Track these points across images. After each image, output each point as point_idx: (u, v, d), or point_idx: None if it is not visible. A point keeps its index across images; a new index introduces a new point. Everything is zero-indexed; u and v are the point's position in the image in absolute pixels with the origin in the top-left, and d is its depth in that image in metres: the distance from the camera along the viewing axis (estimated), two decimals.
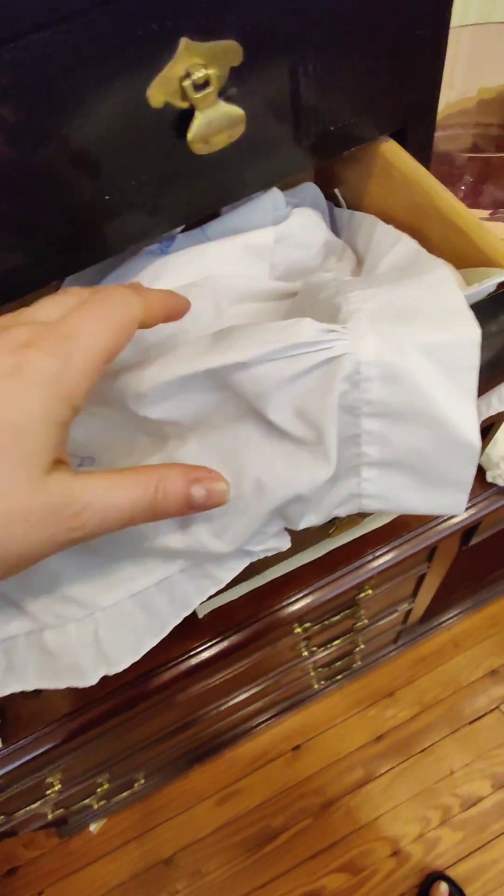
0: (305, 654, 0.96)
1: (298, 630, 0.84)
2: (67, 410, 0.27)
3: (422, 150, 0.45)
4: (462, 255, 0.40)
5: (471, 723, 1.64)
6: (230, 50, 0.31)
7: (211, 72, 0.31)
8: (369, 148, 0.44)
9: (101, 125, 0.31)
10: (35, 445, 0.25)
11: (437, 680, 1.71)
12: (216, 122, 0.33)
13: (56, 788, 0.77)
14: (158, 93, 0.31)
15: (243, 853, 1.57)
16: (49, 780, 0.77)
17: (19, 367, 0.25)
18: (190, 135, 0.33)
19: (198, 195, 0.38)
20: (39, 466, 0.26)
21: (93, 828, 1.56)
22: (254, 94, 0.34)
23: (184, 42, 0.30)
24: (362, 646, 1.16)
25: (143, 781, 1.14)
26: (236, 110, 0.34)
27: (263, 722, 1.51)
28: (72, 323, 0.27)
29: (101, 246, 0.37)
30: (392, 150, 0.43)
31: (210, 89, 0.32)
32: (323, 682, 1.34)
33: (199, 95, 0.32)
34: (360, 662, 1.33)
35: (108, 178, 0.34)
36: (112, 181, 0.34)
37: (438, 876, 1.46)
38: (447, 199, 0.40)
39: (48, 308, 0.29)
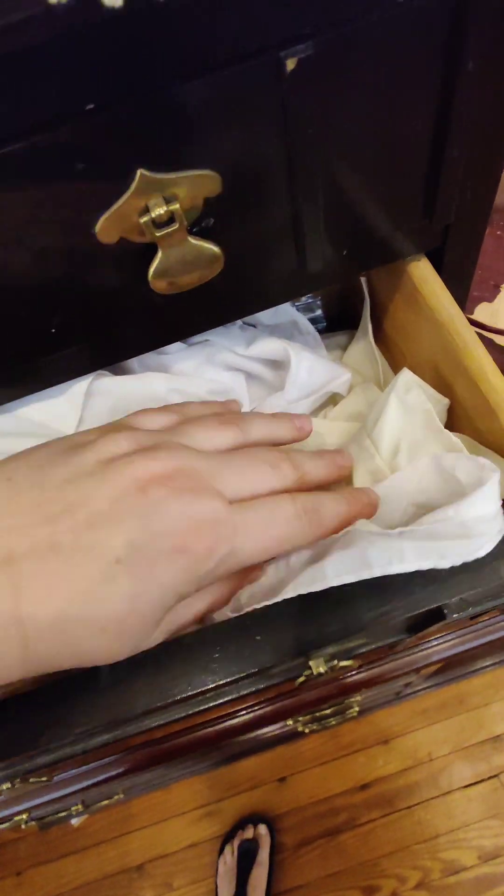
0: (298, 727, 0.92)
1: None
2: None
3: (461, 268, 0.39)
4: (487, 427, 0.34)
5: (464, 787, 1.57)
6: (204, 180, 0.26)
7: (175, 207, 0.26)
8: (397, 264, 0.38)
9: (45, 258, 0.27)
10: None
11: (435, 736, 1.64)
12: (184, 261, 0.28)
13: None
14: (110, 230, 0.26)
15: (211, 876, 1.56)
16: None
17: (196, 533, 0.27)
18: (150, 274, 0.28)
19: (161, 330, 0.33)
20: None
21: (74, 821, 1.59)
22: (238, 226, 0.29)
23: (141, 174, 0.25)
24: (357, 707, 1.11)
25: (121, 796, 1.14)
26: (210, 249, 0.28)
27: (250, 752, 1.48)
28: (247, 524, 0.29)
29: (35, 380, 0.32)
30: (422, 275, 0.37)
31: (175, 226, 0.26)
32: (314, 726, 1.29)
33: (161, 233, 0.27)
34: (356, 714, 1.28)
35: (52, 310, 0.29)
36: (57, 313, 0.30)
37: None
38: (476, 357, 0.33)
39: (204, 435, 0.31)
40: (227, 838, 1.59)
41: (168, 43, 0.21)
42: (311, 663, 0.30)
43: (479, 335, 0.35)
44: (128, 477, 0.26)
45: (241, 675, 0.29)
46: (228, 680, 0.29)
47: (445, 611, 0.29)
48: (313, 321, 0.49)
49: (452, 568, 0.28)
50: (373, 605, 0.29)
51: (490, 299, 0.74)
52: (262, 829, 1.57)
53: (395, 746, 1.64)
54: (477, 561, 0.27)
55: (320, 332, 0.49)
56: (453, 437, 0.35)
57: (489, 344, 0.82)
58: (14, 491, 0.26)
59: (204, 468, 0.28)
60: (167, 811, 1.64)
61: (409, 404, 0.37)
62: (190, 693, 0.29)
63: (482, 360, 0.34)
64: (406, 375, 0.37)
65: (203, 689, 0.29)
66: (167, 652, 0.29)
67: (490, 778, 1.58)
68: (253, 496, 0.29)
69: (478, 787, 1.58)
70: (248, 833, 1.56)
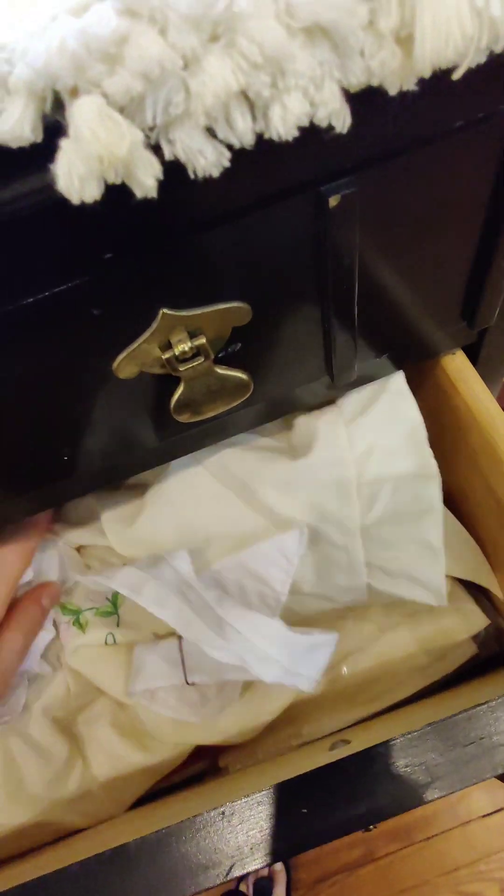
0: None
1: None
2: None
3: (497, 361, 0.36)
4: None
5: (483, 817, 1.54)
6: (232, 312, 0.24)
7: (201, 342, 0.23)
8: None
9: (62, 393, 0.24)
10: None
11: None
12: (209, 391, 0.26)
13: None
14: (129, 367, 0.24)
15: None
16: None
17: None
18: (172, 406, 0.25)
19: (173, 448, 0.30)
20: None
21: None
22: (268, 348, 0.26)
23: (163, 313, 0.22)
24: None
25: None
26: (237, 377, 0.26)
27: None
28: None
29: (42, 503, 0.30)
30: (457, 368, 0.34)
31: (200, 360, 0.24)
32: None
33: (184, 368, 0.24)
34: None
35: (65, 440, 0.27)
36: (70, 443, 0.27)
37: None
38: None
39: None
40: (242, 876, 1.56)
41: (192, 202, 0.19)
42: None
43: None
44: None
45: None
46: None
47: None
48: None
49: None
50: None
51: None
52: (278, 865, 1.54)
53: None
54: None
55: None
56: (431, 459, 0.35)
57: None
58: None
59: None
60: None
61: (398, 410, 0.35)
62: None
63: None
64: (399, 381, 0.36)
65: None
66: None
67: None
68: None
69: (497, 816, 1.54)
70: (264, 871, 1.53)
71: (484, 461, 0.35)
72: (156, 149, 0.14)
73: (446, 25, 0.12)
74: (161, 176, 0.14)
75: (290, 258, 0.23)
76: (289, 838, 0.27)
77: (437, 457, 0.37)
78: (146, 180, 0.13)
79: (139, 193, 0.14)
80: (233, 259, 0.22)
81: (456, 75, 0.13)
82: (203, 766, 0.46)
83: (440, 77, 0.15)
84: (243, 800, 0.27)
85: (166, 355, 0.24)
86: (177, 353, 0.24)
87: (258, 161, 0.18)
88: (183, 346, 0.23)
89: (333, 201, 0.20)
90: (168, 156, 0.14)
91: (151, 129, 0.13)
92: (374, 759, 0.28)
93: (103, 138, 0.12)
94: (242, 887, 1.54)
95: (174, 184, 0.16)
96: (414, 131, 0.20)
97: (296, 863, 1.52)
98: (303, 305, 0.26)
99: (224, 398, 0.27)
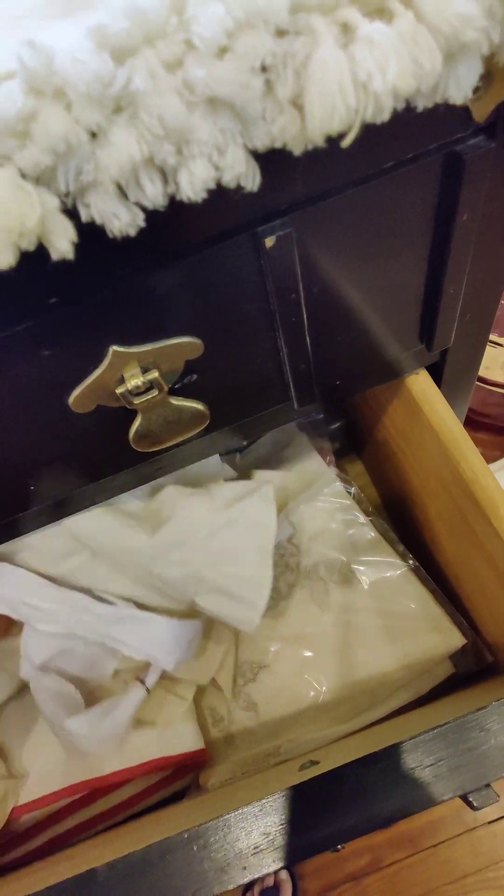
0: None
1: None
2: None
3: (461, 381, 0.36)
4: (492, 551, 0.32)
5: (489, 823, 1.52)
6: (184, 346, 0.24)
7: (153, 376, 0.24)
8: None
9: (22, 429, 0.25)
10: None
11: None
12: (167, 421, 0.26)
13: None
14: (85, 402, 0.24)
15: None
16: None
17: None
18: (131, 437, 0.26)
19: (139, 476, 0.31)
20: None
21: None
22: (223, 377, 0.27)
23: (113, 351, 0.23)
24: None
25: None
26: (194, 407, 0.26)
27: None
28: None
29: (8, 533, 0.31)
30: (421, 389, 0.35)
31: (154, 392, 0.24)
32: None
33: (140, 401, 0.24)
34: None
35: (29, 472, 0.27)
36: (34, 475, 0.27)
37: None
38: (484, 487, 0.31)
39: None
40: (248, 886, 1.55)
41: (131, 247, 0.19)
42: None
43: None
44: None
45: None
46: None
47: None
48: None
49: None
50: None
51: None
52: (283, 874, 1.53)
53: None
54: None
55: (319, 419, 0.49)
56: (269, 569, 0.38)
57: None
58: None
59: None
60: None
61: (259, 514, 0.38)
62: None
63: (491, 490, 0.31)
64: (268, 490, 0.39)
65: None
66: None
67: None
68: None
69: (503, 822, 1.53)
70: (269, 880, 1.52)
71: (448, 478, 0.35)
72: (74, 212, 0.15)
73: (331, 99, 0.13)
74: (76, 239, 0.14)
75: (237, 294, 0.24)
76: (255, 862, 0.27)
77: (406, 473, 0.38)
78: (61, 244, 0.14)
79: (55, 256, 0.14)
80: (180, 296, 0.23)
81: (345, 143, 0.14)
82: (185, 784, 0.47)
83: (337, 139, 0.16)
84: (210, 822, 0.28)
85: (119, 390, 0.24)
86: (130, 388, 0.24)
87: (193, 208, 0.18)
88: (136, 381, 0.24)
89: (269, 242, 0.21)
90: (85, 218, 0.14)
91: (67, 194, 0.14)
92: (342, 779, 0.29)
93: (14, 211, 0.13)
94: None
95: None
96: (342, 176, 0.21)
97: (302, 872, 1.51)
98: (255, 337, 0.27)
99: (182, 428, 0.27)
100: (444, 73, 0.15)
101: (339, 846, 0.29)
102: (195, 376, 0.27)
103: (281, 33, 0.13)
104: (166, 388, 0.25)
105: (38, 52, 0.13)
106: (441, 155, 0.22)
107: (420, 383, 0.35)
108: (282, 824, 0.27)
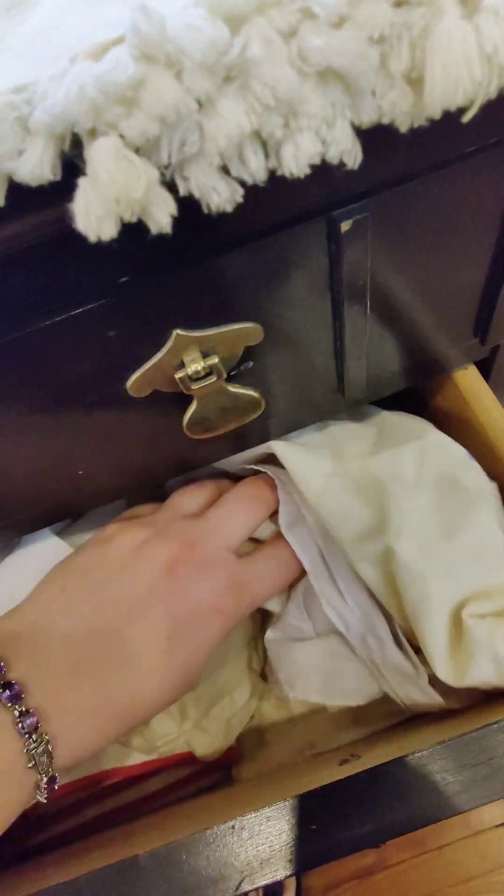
0: None
1: None
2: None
3: None
4: None
5: (496, 827, 1.52)
6: (245, 332, 0.24)
7: (213, 361, 0.23)
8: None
9: (78, 409, 0.25)
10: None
11: None
12: (222, 408, 0.26)
13: None
14: (142, 386, 0.24)
15: None
16: None
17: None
18: (185, 423, 0.26)
19: (188, 462, 0.31)
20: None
21: None
22: (279, 366, 0.27)
23: (177, 335, 0.22)
24: None
25: None
26: (249, 395, 0.26)
27: None
28: (259, 575, 0.35)
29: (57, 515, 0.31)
30: (469, 384, 0.34)
31: (213, 378, 0.24)
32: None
33: (197, 387, 0.24)
34: None
35: (80, 455, 0.27)
36: (85, 458, 0.27)
37: None
38: None
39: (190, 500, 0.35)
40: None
41: (206, 229, 0.19)
42: None
43: None
44: (154, 563, 0.31)
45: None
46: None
47: None
48: None
49: None
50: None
51: None
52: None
53: None
54: None
55: None
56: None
57: None
58: (71, 598, 0.31)
59: (209, 531, 0.33)
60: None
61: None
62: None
63: None
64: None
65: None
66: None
67: None
68: (249, 533, 0.35)
69: None
70: None
71: (494, 474, 0.35)
72: (171, 185, 0.14)
73: (456, 71, 0.12)
74: (175, 213, 0.14)
75: (302, 280, 0.24)
76: (299, 854, 0.27)
77: None
78: (161, 217, 0.14)
79: (154, 229, 0.14)
80: (245, 281, 0.23)
81: (466, 118, 0.13)
82: (217, 778, 0.46)
83: (452, 113, 0.15)
84: (253, 814, 0.27)
85: (179, 375, 0.24)
86: (189, 373, 0.24)
87: (273, 190, 0.18)
88: (196, 366, 0.24)
89: (345, 226, 0.20)
90: (183, 192, 0.14)
91: (167, 166, 0.14)
92: (384, 776, 0.28)
93: (120, 181, 0.12)
94: (252, 894, 1.54)
95: (189, 212, 0.17)
96: (426, 159, 0.20)
97: (306, 879, 1.51)
98: (314, 325, 0.26)
99: (236, 415, 0.27)
100: None
101: (380, 843, 0.28)
102: (252, 363, 0.26)
103: (399, 3, 0.13)
104: (225, 375, 0.25)
105: (151, 18, 0.12)
106: None
107: (469, 378, 0.35)
108: (328, 818, 0.27)
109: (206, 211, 0.15)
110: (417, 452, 0.32)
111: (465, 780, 0.27)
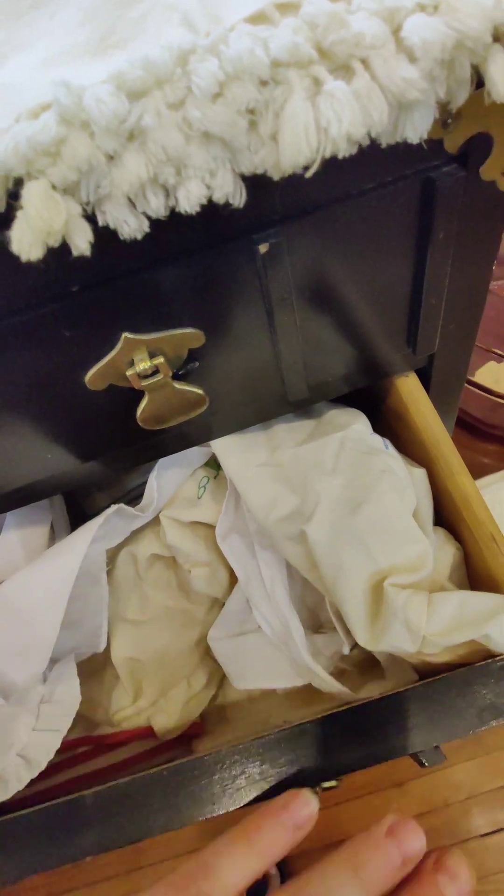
0: None
1: None
2: None
3: (448, 385, 0.39)
4: (470, 550, 0.35)
5: (481, 836, 1.53)
6: (187, 336, 0.28)
7: (159, 361, 0.27)
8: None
9: (44, 401, 0.28)
10: None
11: (450, 780, 1.60)
12: (170, 403, 0.30)
13: None
14: (99, 381, 0.28)
15: None
16: None
17: None
18: (138, 415, 0.30)
19: (146, 452, 0.34)
20: None
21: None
22: (222, 367, 0.30)
23: (125, 337, 0.26)
24: None
25: None
26: (194, 392, 0.30)
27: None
28: None
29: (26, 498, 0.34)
30: (409, 391, 0.38)
31: (160, 376, 0.28)
32: None
33: (146, 383, 0.28)
34: None
35: (47, 442, 0.31)
36: (52, 445, 0.31)
37: None
38: (461, 486, 0.34)
39: None
40: None
41: (144, 248, 0.23)
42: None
43: None
44: None
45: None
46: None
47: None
48: None
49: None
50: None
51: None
52: (273, 869, 1.55)
53: (409, 790, 1.60)
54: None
55: None
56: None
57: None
58: None
59: None
60: (178, 848, 1.62)
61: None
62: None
63: (466, 488, 0.34)
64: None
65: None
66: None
67: None
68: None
69: (495, 836, 1.53)
70: None
71: (425, 466, 0.38)
72: (93, 217, 0.18)
73: (298, 139, 0.16)
74: (92, 239, 0.18)
75: (236, 293, 0.27)
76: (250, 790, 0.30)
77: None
78: (80, 243, 0.17)
79: (75, 252, 0.18)
80: (186, 292, 0.26)
81: (308, 174, 0.17)
82: (180, 752, 0.50)
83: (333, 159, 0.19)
84: (191, 759, 0.31)
85: (129, 372, 0.28)
86: (139, 371, 0.28)
87: (201, 215, 0.22)
88: (144, 365, 0.28)
89: (263, 248, 0.24)
90: (101, 223, 0.18)
91: (87, 203, 0.18)
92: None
93: (45, 215, 0.16)
94: None
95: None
96: (327, 193, 0.24)
97: (291, 870, 1.53)
98: (253, 332, 0.30)
99: (183, 410, 0.31)
100: (402, 119, 0.18)
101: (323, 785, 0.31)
102: (198, 364, 0.30)
103: (264, 83, 0.16)
104: (170, 373, 0.29)
105: (70, 92, 0.16)
106: (418, 180, 0.25)
107: (408, 385, 0.38)
108: (271, 762, 0.30)
109: (121, 237, 0.18)
110: (338, 442, 0.36)
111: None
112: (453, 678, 0.31)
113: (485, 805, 1.56)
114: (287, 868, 1.64)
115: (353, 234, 0.26)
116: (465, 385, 0.82)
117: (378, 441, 0.37)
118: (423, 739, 0.30)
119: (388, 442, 0.38)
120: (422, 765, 0.30)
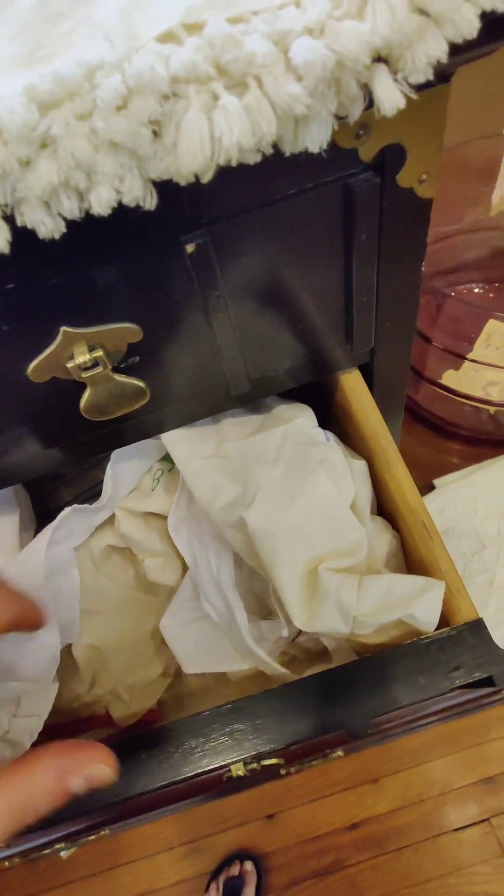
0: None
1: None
2: None
3: (390, 380, 0.41)
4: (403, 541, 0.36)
5: (455, 831, 1.55)
6: (125, 331, 0.29)
7: (98, 354, 0.29)
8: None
9: None
10: None
11: (425, 776, 1.63)
12: (111, 395, 0.31)
13: None
14: (41, 373, 0.29)
15: None
16: None
17: None
18: (81, 406, 0.31)
19: (96, 444, 0.36)
20: None
21: (63, 854, 1.59)
22: (163, 362, 0.32)
23: (63, 331, 0.28)
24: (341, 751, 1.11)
25: (107, 832, 1.15)
26: (135, 384, 0.31)
27: (237, 789, 1.48)
28: None
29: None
30: (352, 387, 0.40)
31: (100, 369, 0.29)
32: (294, 769, 1.29)
33: (87, 375, 0.29)
34: (342, 755, 1.27)
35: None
36: (3, 435, 0.32)
37: None
38: (396, 477, 0.36)
39: None
40: (214, 875, 1.58)
41: (75, 246, 0.24)
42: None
43: None
44: None
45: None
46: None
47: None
48: None
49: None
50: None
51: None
52: (249, 865, 1.56)
53: (384, 786, 1.62)
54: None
55: None
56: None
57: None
58: None
59: None
60: (155, 846, 1.63)
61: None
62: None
63: (401, 479, 0.36)
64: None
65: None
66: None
67: (481, 822, 1.56)
68: None
69: (468, 830, 1.55)
70: (234, 870, 1.55)
71: (366, 458, 0.40)
72: (12, 217, 0.19)
73: (193, 148, 0.17)
74: (10, 238, 0.19)
75: (171, 290, 0.29)
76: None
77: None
78: None
79: None
80: (121, 289, 0.28)
81: (204, 180, 0.19)
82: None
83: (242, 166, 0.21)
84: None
85: (69, 364, 0.29)
86: (78, 363, 0.29)
87: (129, 217, 0.23)
88: (83, 357, 0.29)
89: (189, 248, 0.26)
90: (20, 224, 0.19)
91: (6, 205, 0.19)
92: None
93: None
94: (213, 887, 1.56)
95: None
96: (251, 198, 0.26)
97: (267, 866, 1.54)
98: (192, 329, 0.31)
99: (125, 402, 0.32)
100: (301, 131, 0.19)
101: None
102: (138, 358, 0.32)
103: (166, 97, 0.18)
104: (110, 366, 0.30)
105: None
106: (338, 186, 0.27)
107: (351, 381, 0.40)
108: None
109: (40, 237, 0.20)
110: (281, 435, 0.37)
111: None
112: (382, 655, 0.32)
113: (458, 801, 1.59)
114: (263, 864, 1.65)
115: (280, 236, 0.28)
116: (432, 387, 0.84)
117: (320, 434, 0.39)
118: (350, 713, 0.31)
119: (330, 435, 0.40)
120: (351, 738, 0.32)
